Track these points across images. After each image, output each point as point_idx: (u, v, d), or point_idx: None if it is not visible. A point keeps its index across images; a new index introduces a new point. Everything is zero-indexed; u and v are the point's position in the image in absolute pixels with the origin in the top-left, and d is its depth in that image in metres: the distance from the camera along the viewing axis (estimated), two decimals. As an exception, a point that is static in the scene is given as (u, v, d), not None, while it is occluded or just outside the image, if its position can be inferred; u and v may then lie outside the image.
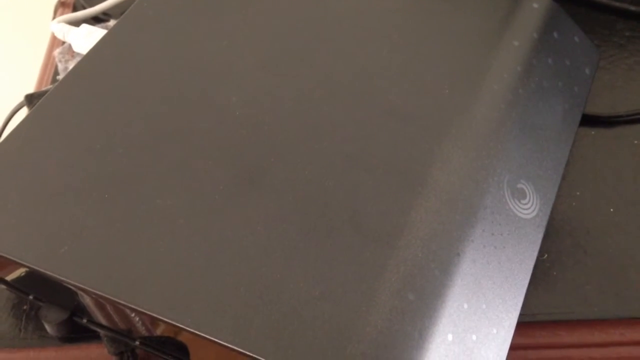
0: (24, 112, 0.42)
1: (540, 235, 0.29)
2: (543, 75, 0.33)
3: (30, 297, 0.30)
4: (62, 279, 0.26)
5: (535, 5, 0.35)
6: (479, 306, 0.26)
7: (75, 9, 0.49)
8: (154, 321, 0.25)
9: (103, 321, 0.29)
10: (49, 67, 0.46)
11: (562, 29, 0.35)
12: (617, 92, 0.41)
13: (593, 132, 0.39)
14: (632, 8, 0.45)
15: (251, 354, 0.23)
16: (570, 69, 0.35)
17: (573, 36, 0.36)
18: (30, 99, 0.39)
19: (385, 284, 0.25)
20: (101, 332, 0.29)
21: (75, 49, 0.42)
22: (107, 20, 0.46)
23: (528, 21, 0.34)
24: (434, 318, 0.25)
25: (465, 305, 0.26)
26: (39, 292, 0.30)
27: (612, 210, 0.35)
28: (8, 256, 0.27)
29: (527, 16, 0.34)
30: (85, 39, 0.41)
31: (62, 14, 0.49)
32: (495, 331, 0.26)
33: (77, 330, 0.30)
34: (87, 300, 0.28)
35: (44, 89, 0.41)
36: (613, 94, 0.41)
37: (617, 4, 0.45)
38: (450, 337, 0.25)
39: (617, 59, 0.43)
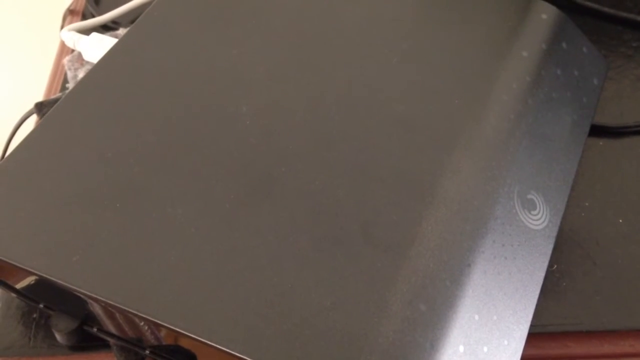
0: (33, 120, 0.43)
1: (551, 247, 0.29)
2: (552, 86, 0.33)
3: (41, 305, 0.30)
4: (74, 287, 0.26)
5: (544, 16, 0.35)
6: (490, 317, 0.26)
7: (84, 17, 0.49)
8: (165, 330, 0.25)
9: (113, 330, 0.29)
10: (58, 75, 0.46)
11: (570, 39, 0.35)
12: (625, 102, 0.41)
13: (601, 143, 0.39)
14: (640, 19, 0.45)
15: (263, 365, 0.23)
16: (578, 79, 0.35)
17: (581, 47, 0.36)
18: (40, 107, 0.39)
19: (396, 294, 0.25)
20: (111, 341, 0.29)
21: (86, 57, 0.42)
22: (117, 29, 0.46)
23: (537, 32, 0.34)
24: (446, 329, 0.25)
25: (477, 317, 0.26)
26: (49, 300, 0.30)
27: (621, 221, 0.35)
28: (20, 264, 0.27)
29: (535, 27, 0.34)
30: (96, 47, 0.41)
31: (71, 21, 0.49)
32: (506, 342, 0.26)
33: (87, 339, 0.30)
34: (97, 309, 0.28)
35: (53, 96, 0.41)
36: (621, 104, 0.41)
37: (625, 15, 0.45)
38: (461, 348, 0.25)
39: (625, 70, 0.43)
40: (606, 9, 0.45)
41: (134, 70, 0.33)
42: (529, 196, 0.29)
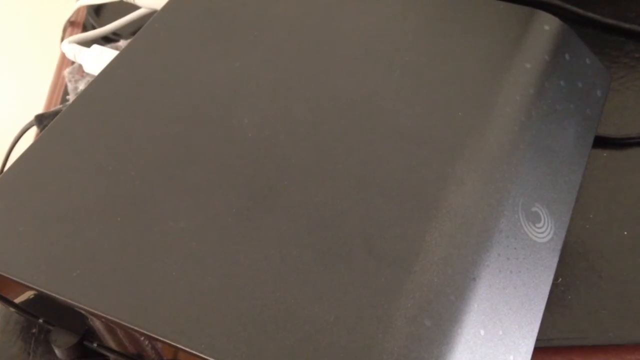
0: (33, 132, 0.42)
1: (556, 260, 0.29)
2: (555, 98, 0.33)
3: (40, 320, 0.30)
4: (74, 303, 0.25)
5: (547, 28, 0.35)
6: (495, 332, 0.26)
7: (84, 29, 0.49)
8: (166, 346, 0.25)
9: (113, 345, 0.29)
10: (59, 87, 0.46)
11: (573, 51, 0.35)
12: (629, 113, 0.41)
13: (605, 154, 0.39)
14: (642, 29, 0.45)
15: (266, 381, 0.23)
16: (582, 91, 0.35)
17: (584, 58, 0.36)
18: (41, 119, 0.39)
19: (401, 309, 0.25)
20: (111, 356, 0.29)
21: (87, 69, 0.42)
22: (117, 41, 0.46)
23: (539, 43, 0.34)
24: (451, 345, 0.24)
25: (482, 332, 0.25)
26: (49, 315, 0.30)
27: (625, 233, 0.35)
28: (19, 279, 0.26)
29: (538, 38, 0.34)
30: (97, 59, 0.41)
31: (72, 33, 0.49)
32: (512, 358, 0.26)
33: (86, 354, 0.30)
34: (98, 325, 0.27)
35: (53, 109, 0.41)
36: (624, 115, 0.41)
37: (627, 26, 0.45)
38: (467, 364, 0.24)
39: (628, 81, 0.43)
40: (608, 20, 0.45)
41: (135, 83, 0.33)
42: (534, 209, 0.29)
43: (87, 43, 0.45)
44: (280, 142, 0.30)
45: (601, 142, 0.39)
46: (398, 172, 0.29)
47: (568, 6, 0.46)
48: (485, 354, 0.25)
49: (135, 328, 0.25)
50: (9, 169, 0.30)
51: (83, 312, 0.26)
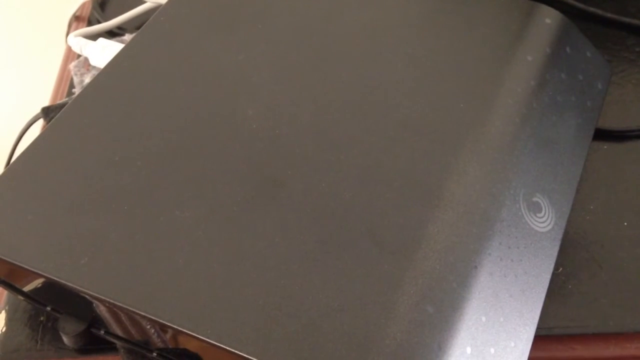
0: (39, 124, 0.43)
1: (556, 249, 0.29)
2: (556, 90, 0.33)
3: (48, 308, 0.30)
4: (83, 289, 0.26)
5: (548, 21, 0.35)
6: (496, 319, 0.26)
7: (90, 23, 0.50)
8: (174, 332, 0.26)
9: (120, 333, 0.29)
10: (64, 80, 0.46)
11: (574, 44, 0.35)
12: (629, 106, 0.41)
13: (605, 147, 0.39)
14: (643, 23, 0.45)
15: (271, 366, 0.24)
16: (583, 83, 0.35)
17: (585, 51, 0.36)
18: (47, 112, 0.39)
19: (403, 296, 0.25)
20: (118, 343, 0.29)
21: (93, 62, 0.42)
22: (122, 34, 0.46)
23: (541, 36, 0.34)
24: (453, 331, 0.25)
25: (484, 318, 0.26)
26: (56, 303, 0.30)
27: (625, 224, 0.36)
28: (28, 267, 0.27)
29: (539, 31, 0.34)
30: (102, 53, 0.41)
31: (77, 27, 0.50)
32: (513, 344, 0.26)
33: (94, 341, 0.30)
34: (105, 312, 0.28)
35: (60, 101, 0.42)
36: (624, 108, 0.41)
37: (628, 20, 0.45)
38: (469, 350, 0.25)
39: (628, 74, 0.43)
40: (609, 15, 0.46)
41: (140, 75, 0.33)
42: (535, 199, 0.30)
43: (92, 37, 0.46)
44: (284, 133, 0.30)
45: (601, 135, 0.39)
46: (401, 162, 0.29)
47: (569, 0, 0.46)
48: (486, 340, 0.25)
49: (143, 314, 0.25)
50: (17, 159, 0.30)
51: (91, 298, 0.26)
